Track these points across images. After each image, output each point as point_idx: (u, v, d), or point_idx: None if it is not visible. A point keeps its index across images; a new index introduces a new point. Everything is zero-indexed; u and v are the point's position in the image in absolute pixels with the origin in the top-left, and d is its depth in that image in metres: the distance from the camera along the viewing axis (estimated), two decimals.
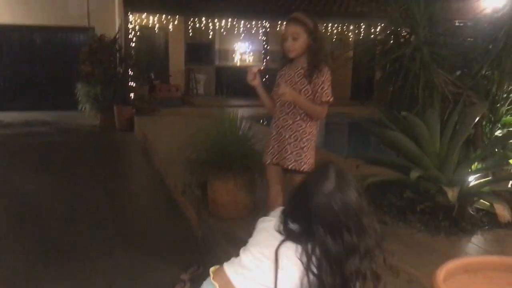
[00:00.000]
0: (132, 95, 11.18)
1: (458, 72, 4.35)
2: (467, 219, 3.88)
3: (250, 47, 15.95)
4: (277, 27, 13.28)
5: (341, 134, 11.63)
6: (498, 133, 4.49)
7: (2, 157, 7.69)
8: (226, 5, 12.45)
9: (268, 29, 14.40)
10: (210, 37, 15.00)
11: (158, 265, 3.66)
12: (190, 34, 14.69)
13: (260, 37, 15.23)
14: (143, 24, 12.95)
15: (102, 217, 4.82)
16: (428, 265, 3.20)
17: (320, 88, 2.90)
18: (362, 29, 13.50)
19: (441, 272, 1.70)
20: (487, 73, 4.26)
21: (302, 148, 2.96)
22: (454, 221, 3.83)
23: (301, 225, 1.64)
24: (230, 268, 1.69)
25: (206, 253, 3.83)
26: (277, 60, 3.53)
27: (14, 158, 7.65)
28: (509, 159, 4.33)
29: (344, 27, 14.14)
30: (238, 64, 15.81)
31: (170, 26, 13.88)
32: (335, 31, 14.30)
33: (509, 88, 4.34)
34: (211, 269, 1.77)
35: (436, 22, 4.27)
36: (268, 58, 14.57)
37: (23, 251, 3.94)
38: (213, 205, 4.13)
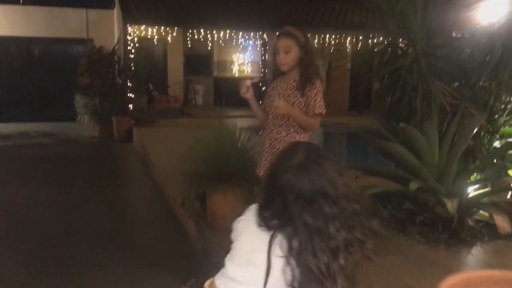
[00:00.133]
0: (131, 106, 11.20)
1: (456, 84, 4.37)
2: (467, 230, 3.87)
3: (248, 58, 16.01)
4: (275, 38, 13.33)
5: (339, 144, 11.64)
6: (496, 144, 4.51)
7: (0, 168, 7.67)
8: (224, 17, 12.52)
9: (266, 40, 14.47)
10: (208, 48, 15.06)
11: (157, 277, 3.64)
12: (189, 46, 14.75)
13: (258, 48, 15.30)
14: (142, 35, 13.00)
15: (101, 229, 4.80)
16: (428, 277, 3.20)
17: (313, 101, 2.93)
18: (360, 40, 13.56)
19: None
20: (484, 84, 4.28)
21: None
22: (454, 232, 3.83)
23: (278, 210, 1.57)
24: (221, 282, 1.65)
25: (206, 266, 3.81)
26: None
27: (12, 169, 7.64)
28: (508, 170, 4.34)
29: (342, 38, 14.20)
30: (237, 75, 15.86)
31: (169, 38, 13.94)
32: (332, 42, 14.36)
33: (507, 99, 4.36)
34: (206, 284, 1.74)
35: (434, 34, 4.29)
36: (266, 68, 14.63)
37: (21, 263, 3.92)
38: (212, 217, 4.12)
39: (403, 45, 4.57)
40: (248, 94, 3.02)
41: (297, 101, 2.95)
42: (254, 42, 15.19)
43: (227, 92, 13.18)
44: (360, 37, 13.35)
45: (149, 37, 13.37)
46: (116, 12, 13.50)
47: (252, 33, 14.23)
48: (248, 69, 16.05)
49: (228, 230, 1.73)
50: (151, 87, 13.15)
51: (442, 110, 4.12)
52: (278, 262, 1.52)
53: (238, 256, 1.62)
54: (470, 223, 3.96)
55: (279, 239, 1.53)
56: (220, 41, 14.59)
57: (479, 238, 3.86)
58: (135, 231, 4.82)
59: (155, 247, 4.35)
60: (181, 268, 3.80)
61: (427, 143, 4.06)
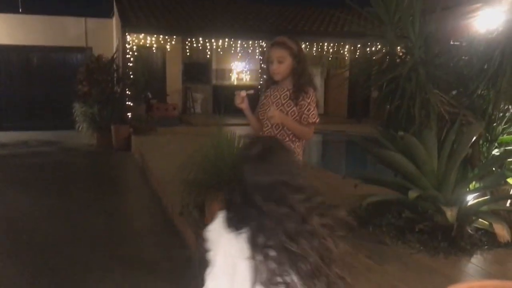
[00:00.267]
0: (129, 114, 11.21)
1: (454, 92, 4.37)
2: (466, 238, 3.86)
3: (247, 66, 16.06)
4: (268, 48, 13.38)
5: (338, 152, 11.64)
6: (495, 152, 4.50)
7: None
8: (222, 25, 12.57)
9: (264, 48, 14.52)
10: (207, 56, 15.11)
11: (155, 286, 3.62)
12: (188, 54, 14.80)
13: (256, 56, 15.34)
14: (140, 44, 13.04)
15: (99, 237, 4.78)
16: (427, 285, 3.18)
17: (306, 110, 2.95)
18: (358, 49, 13.61)
19: None
20: (483, 92, 4.28)
21: None
22: (453, 241, 3.81)
23: (242, 207, 1.53)
24: None
25: (204, 276, 3.79)
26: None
27: (11, 177, 7.61)
28: (507, 178, 4.33)
29: (340, 46, 14.25)
30: (235, 83, 15.89)
31: (168, 46, 13.98)
32: (331, 50, 14.41)
33: (505, 107, 4.36)
34: None
35: (432, 42, 4.30)
36: (264, 76, 14.65)
37: (19, 271, 3.90)
38: None
39: (401, 54, 4.58)
40: (243, 104, 3.04)
41: (291, 110, 2.97)
42: (252, 50, 15.23)
43: (226, 100, 13.19)
44: (359, 46, 13.40)
45: (148, 45, 13.41)
46: (115, 21, 13.55)
47: (250, 42, 14.28)
48: (246, 77, 16.09)
49: None
50: (150, 95, 13.16)
51: (441, 119, 4.12)
52: (253, 262, 1.47)
53: (216, 269, 1.58)
54: (470, 231, 3.95)
55: (250, 237, 1.49)
56: (219, 50, 14.64)
57: (478, 247, 3.85)
58: (133, 239, 4.80)
59: (154, 256, 4.33)
60: (180, 277, 3.78)
61: (425, 152, 4.06)
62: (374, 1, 4.37)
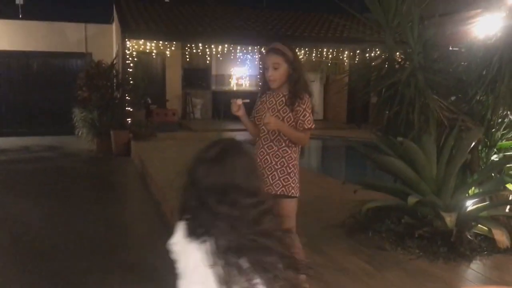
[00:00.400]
0: (129, 120, 11.21)
1: (453, 98, 4.39)
2: (466, 244, 3.86)
3: (246, 72, 16.09)
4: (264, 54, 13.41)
5: (337, 158, 11.64)
6: (494, 157, 4.51)
7: None
8: (222, 31, 12.60)
9: (264, 54, 14.54)
10: (207, 62, 15.14)
11: None
12: (187, 59, 14.83)
13: (256, 62, 15.37)
14: (140, 49, 13.06)
15: (99, 243, 4.77)
16: None
17: (302, 116, 2.96)
18: (357, 54, 13.64)
19: None
20: (481, 98, 4.29)
21: (289, 174, 3.00)
22: (453, 246, 3.81)
23: (198, 211, 1.50)
24: None
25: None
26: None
27: (9, 184, 7.61)
28: (506, 183, 4.33)
29: (340, 52, 14.28)
30: (235, 88, 15.92)
31: (167, 52, 14.01)
32: (330, 55, 14.44)
33: (504, 113, 4.36)
34: None
35: (430, 48, 4.31)
36: (260, 83, 14.66)
37: (19, 275, 3.89)
38: None
39: (400, 59, 4.60)
40: (239, 112, 3.05)
41: (287, 116, 2.98)
42: (252, 56, 15.27)
43: (225, 106, 13.21)
44: (358, 51, 13.43)
45: (147, 51, 13.44)
46: (114, 27, 13.59)
47: (250, 47, 14.31)
48: (246, 83, 16.11)
49: None
50: (149, 101, 13.18)
51: (440, 124, 4.13)
52: (217, 269, 1.45)
53: (187, 280, 1.54)
54: (469, 237, 3.95)
55: (211, 243, 1.47)
56: (218, 55, 14.67)
57: (478, 252, 3.85)
58: (132, 245, 4.79)
59: (153, 262, 4.31)
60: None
61: (425, 157, 4.06)
62: (373, 7, 4.39)
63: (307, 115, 2.96)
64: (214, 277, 1.45)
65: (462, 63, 4.49)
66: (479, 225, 4.07)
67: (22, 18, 14.38)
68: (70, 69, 13.67)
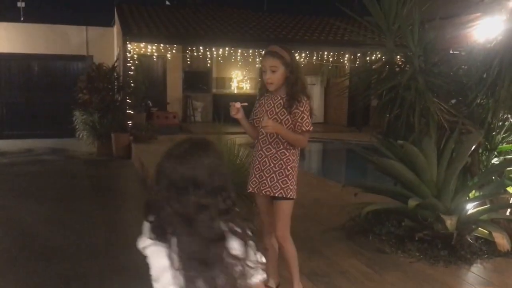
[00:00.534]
0: (129, 122, 11.21)
1: (453, 101, 4.39)
2: (466, 247, 3.86)
3: (247, 75, 16.10)
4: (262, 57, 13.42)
5: (338, 161, 11.64)
6: (494, 161, 4.51)
7: None
8: (223, 34, 12.62)
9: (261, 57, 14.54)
10: (207, 65, 15.15)
11: None
12: (188, 62, 14.84)
13: (256, 65, 15.38)
14: (141, 52, 13.08)
15: (99, 246, 4.77)
16: None
17: (300, 118, 2.96)
18: (357, 57, 13.65)
19: None
20: (482, 101, 4.29)
21: (287, 176, 3.01)
22: (453, 249, 3.81)
23: (162, 210, 1.52)
24: None
25: None
26: None
27: (10, 186, 7.61)
28: (507, 187, 4.34)
29: (340, 55, 14.29)
30: (235, 91, 15.92)
31: (168, 55, 14.03)
32: (331, 59, 14.46)
33: (504, 116, 4.37)
34: None
35: (431, 51, 4.32)
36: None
37: (20, 277, 3.89)
38: None
39: (400, 63, 4.60)
40: (238, 115, 3.06)
41: (285, 119, 2.99)
42: (252, 59, 15.28)
43: (226, 109, 13.17)
44: (358, 54, 13.44)
45: (148, 54, 13.45)
46: (116, 30, 13.61)
47: (250, 50, 14.32)
48: (246, 86, 16.12)
49: None
50: (150, 104, 13.18)
51: (440, 127, 4.13)
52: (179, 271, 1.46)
53: (161, 283, 1.54)
54: (470, 240, 3.95)
55: (172, 245, 1.48)
56: (219, 58, 14.69)
57: (478, 256, 3.85)
58: (132, 248, 4.77)
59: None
60: None
61: (425, 160, 4.06)
62: (373, 11, 4.40)
63: (305, 117, 2.97)
64: (179, 280, 1.45)
65: (463, 67, 4.50)
66: (479, 228, 4.07)
67: (23, 21, 14.39)
68: (71, 72, 13.68)
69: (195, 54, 13.95)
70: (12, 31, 13.29)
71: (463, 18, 6.52)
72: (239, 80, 16.17)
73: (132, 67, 11.68)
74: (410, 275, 3.57)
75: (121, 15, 12.65)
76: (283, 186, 3.00)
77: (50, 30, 13.59)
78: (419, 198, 3.99)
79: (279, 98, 3.03)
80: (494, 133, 4.43)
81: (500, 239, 3.86)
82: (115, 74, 11.29)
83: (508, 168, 4.40)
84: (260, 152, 3.08)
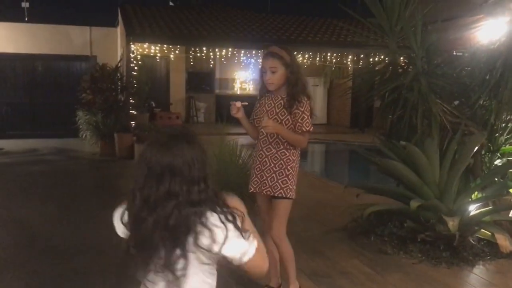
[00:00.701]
0: (133, 123, 11.24)
1: (456, 102, 4.39)
2: (468, 249, 3.86)
3: (250, 75, 16.11)
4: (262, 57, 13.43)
5: (340, 162, 11.63)
6: (497, 162, 4.51)
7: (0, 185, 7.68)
8: (226, 35, 12.63)
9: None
10: (210, 66, 15.17)
11: None
12: (191, 63, 14.87)
13: (259, 66, 15.36)
14: (144, 53, 13.10)
15: (100, 246, 4.78)
16: None
17: (300, 119, 2.97)
18: (361, 58, 13.64)
19: None
20: (485, 103, 4.29)
21: (287, 176, 3.02)
22: (455, 251, 3.81)
23: (135, 195, 1.61)
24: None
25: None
26: None
27: (14, 186, 7.64)
28: (509, 188, 4.33)
29: (343, 56, 14.29)
30: (238, 92, 15.94)
31: (172, 55, 14.06)
32: (334, 60, 14.45)
33: (507, 118, 4.37)
34: None
35: (434, 53, 4.33)
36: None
37: (21, 278, 3.90)
38: None
39: (403, 64, 4.60)
40: (238, 114, 3.07)
41: (285, 119, 3.00)
42: (255, 60, 15.29)
43: (229, 110, 13.19)
44: (361, 55, 13.44)
45: (151, 54, 13.48)
46: (119, 30, 13.64)
47: (254, 51, 14.33)
48: (249, 87, 16.13)
49: None
50: (153, 104, 13.21)
51: (443, 128, 4.13)
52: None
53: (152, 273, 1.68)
54: (472, 241, 3.94)
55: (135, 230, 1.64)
56: (222, 59, 14.70)
57: (481, 257, 3.85)
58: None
59: None
60: None
61: (427, 161, 4.06)
62: (376, 12, 4.41)
63: (306, 117, 2.98)
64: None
65: (466, 68, 4.50)
66: (482, 230, 4.06)
67: (27, 21, 14.44)
68: (74, 72, 13.72)
69: (198, 54, 13.97)
70: (16, 31, 13.33)
71: (466, 20, 6.53)
72: (242, 81, 16.18)
73: (136, 68, 11.70)
74: (412, 276, 3.57)
75: (125, 16, 12.68)
76: (283, 186, 3.00)
77: (54, 31, 13.64)
78: (421, 199, 3.99)
79: (280, 98, 3.03)
80: (497, 134, 4.43)
81: (503, 241, 3.86)
82: (118, 75, 11.32)
83: (511, 170, 4.39)
84: (261, 152, 3.09)
